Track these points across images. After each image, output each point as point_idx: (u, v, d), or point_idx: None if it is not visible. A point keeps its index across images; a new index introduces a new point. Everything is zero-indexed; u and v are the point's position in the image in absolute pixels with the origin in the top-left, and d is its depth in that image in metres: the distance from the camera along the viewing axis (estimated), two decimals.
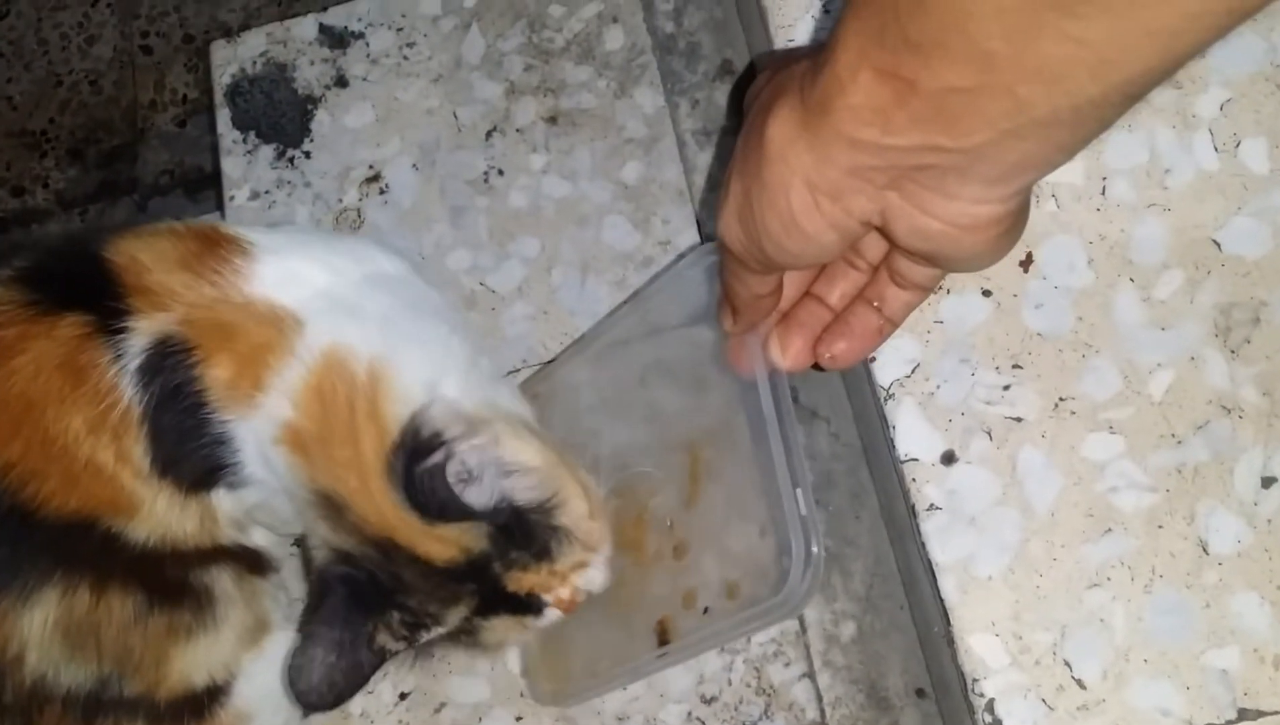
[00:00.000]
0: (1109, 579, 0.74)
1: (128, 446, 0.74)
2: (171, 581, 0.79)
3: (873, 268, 0.71)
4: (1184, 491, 0.74)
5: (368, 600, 0.75)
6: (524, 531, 0.76)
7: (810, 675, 0.99)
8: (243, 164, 1.17)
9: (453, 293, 1.11)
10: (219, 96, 1.20)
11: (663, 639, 0.90)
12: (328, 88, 1.19)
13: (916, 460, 0.78)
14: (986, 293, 0.80)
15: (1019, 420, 0.77)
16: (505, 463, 0.75)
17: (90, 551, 0.74)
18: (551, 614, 0.81)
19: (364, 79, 1.19)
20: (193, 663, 0.81)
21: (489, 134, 1.16)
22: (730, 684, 1.00)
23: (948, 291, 0.80)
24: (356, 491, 0.73)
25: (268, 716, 0.87)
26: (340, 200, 1.15)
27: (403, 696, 1.03)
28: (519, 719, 1.01)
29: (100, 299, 0.74)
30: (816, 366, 0.75)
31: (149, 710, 0.79)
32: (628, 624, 0.93)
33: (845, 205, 0.58)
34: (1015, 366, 0.78)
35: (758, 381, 0.77)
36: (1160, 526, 0.74)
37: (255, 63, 1.21)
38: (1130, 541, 0.74)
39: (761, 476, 0.80)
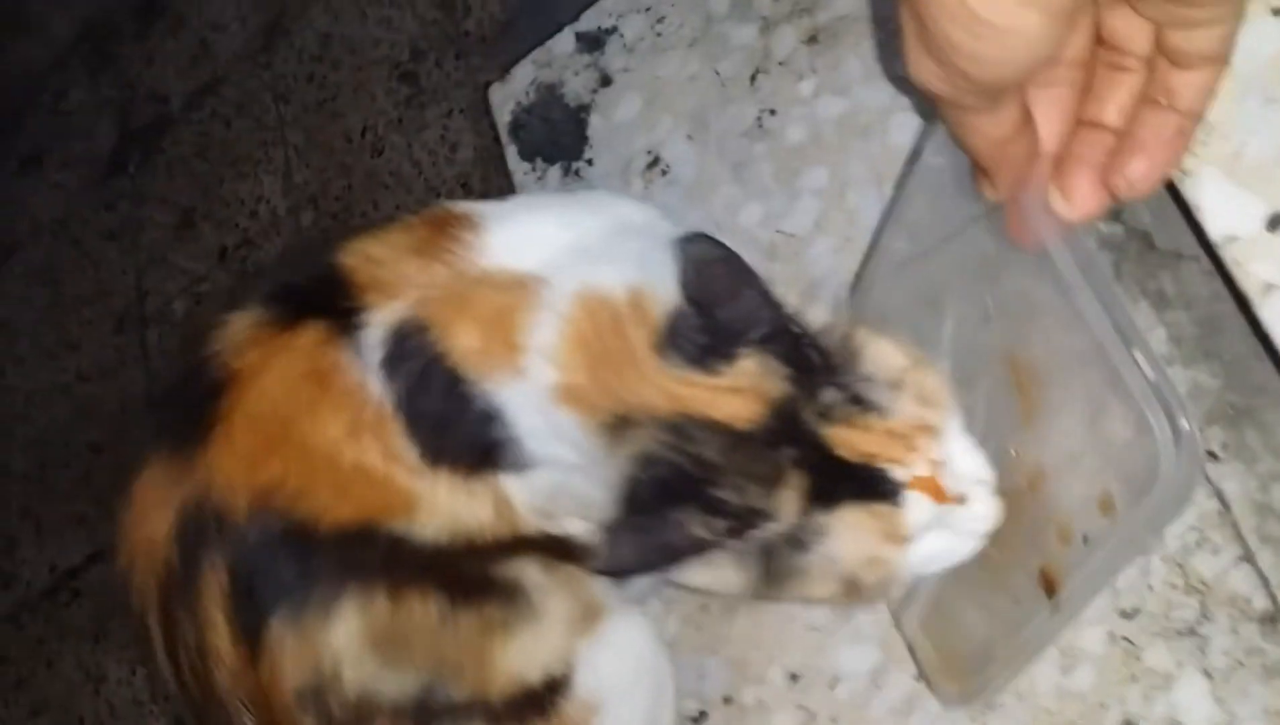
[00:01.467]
0: None
1: (392, 443, 0.72)
2: (472, 577, 0.76)
3: (1145, 61, 0.57)
4: None
5: (678, 494, 0.66)
6: (827, 366, 0.66)
7: (1248, 558, 0.81)
8: (535, 191, 1.18)
9: (750, 251, 1.05)
10: (504, 136, 1.21)
11: (1050, 589, 0.75)
12: (594, 91, 1.18)
13: (1236, 238, 0.62)
14: None
15: None
16: (776, 295, 0.67)
17: (377, 558, 0.72)
18: (915, 503, 0.66)
19: (625, 70, 1.17)
20: (520, 658, 0.77)
21: (753, 78, 1.09)
22: (1152, 589, 0.84)
23: None
24: (637, 391, 0.67)
25: (619, 706, 0.82)
26: (628, 193, 1.12)
27: (794, 678, 0.95)
28: (918, 678, 0.90)
29: (336, 303, 0.73)
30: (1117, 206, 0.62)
31: (485, 712, 0.76)
32: (1008, 586, 0.79)
33: None
34: None
35: (1049, 247, 0.64)
36: None
37: (528, 92, 1.21)
38: None
39: (1095, 356, 0.65)
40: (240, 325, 0.74)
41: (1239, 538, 0.82)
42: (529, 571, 0.78)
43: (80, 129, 2.00)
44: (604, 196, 0.83)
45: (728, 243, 1.00)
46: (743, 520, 0.65)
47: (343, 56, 1.75)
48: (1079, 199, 0.61)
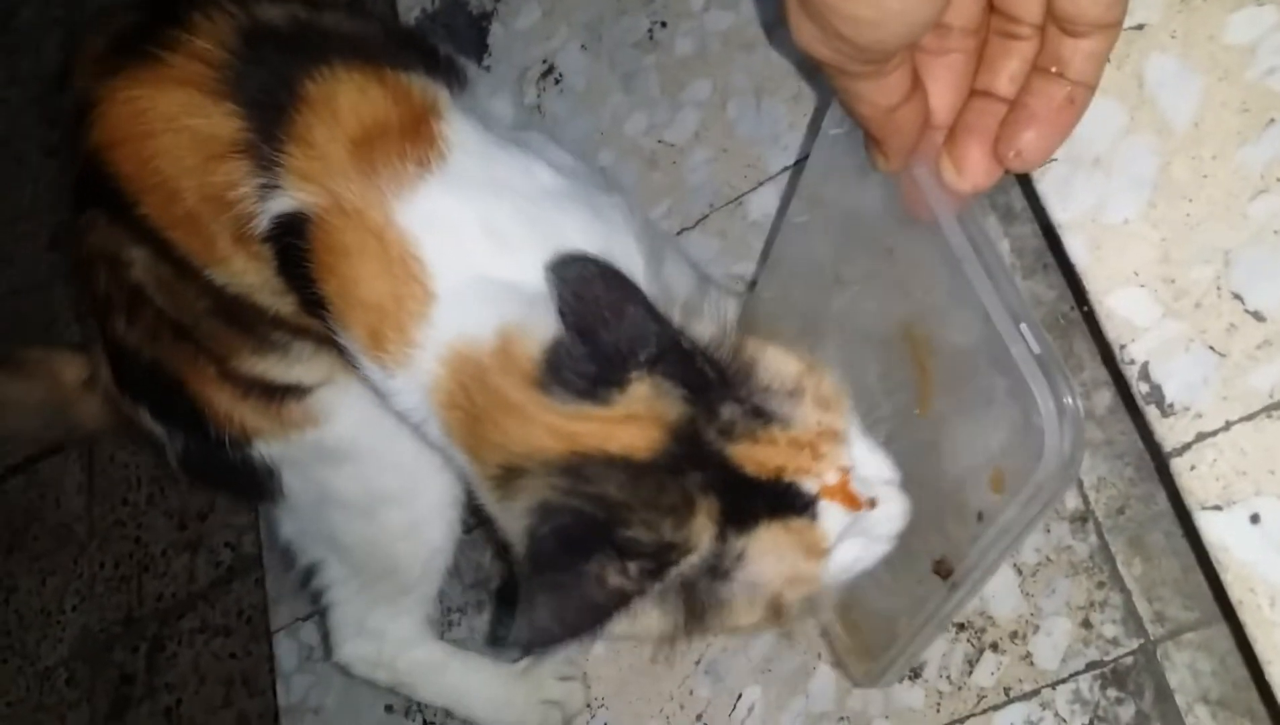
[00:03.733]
0: None
1: (244, 230, 0.71)
2: (246, 321, 0.79)
3: (1038, 29, 0.56)
4: None
5: (586, 542, 0.60)
6: (722, 380, 0.61)
7: None
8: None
9: (633, 160, 1.06)
10: None
11: (945, 570, 0.72)
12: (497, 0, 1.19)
13: None
14: None
15: (1140, 27, 0.61)
16: (660, 310, 0.61)
17: (170, 255, 0.76)
18: (830, 513, 0.61)
19: None
20: (261, 368, 0.83)
21: None
22: None
23: None
24: (521, 437, 0.63)
25: (345, 429, 0.86)
26: (522, 101, 1.13)
27: None
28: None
29: (269, 125, 0.70)
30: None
31: (221, 366, 0.83)
32: (910, 567, 0.74)
33: None
34: None
35: (940, 219, 0.61)
36: None
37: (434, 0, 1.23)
38: None
39: (985, 330, 0.62)
40: (202, 33, 0.72)
41: None
42: (299, 347, 0.82)
43: (28, 46, 2.00)
44: (568, 224, 0.73)
45: (612, 151, 1.03)
46: (659, 558, 0.60)
47: None
48: (970, 170, 0.59)
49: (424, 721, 1.11)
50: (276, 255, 0.72)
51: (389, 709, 1.13)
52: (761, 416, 0.61)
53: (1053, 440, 0.58)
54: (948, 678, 0.83)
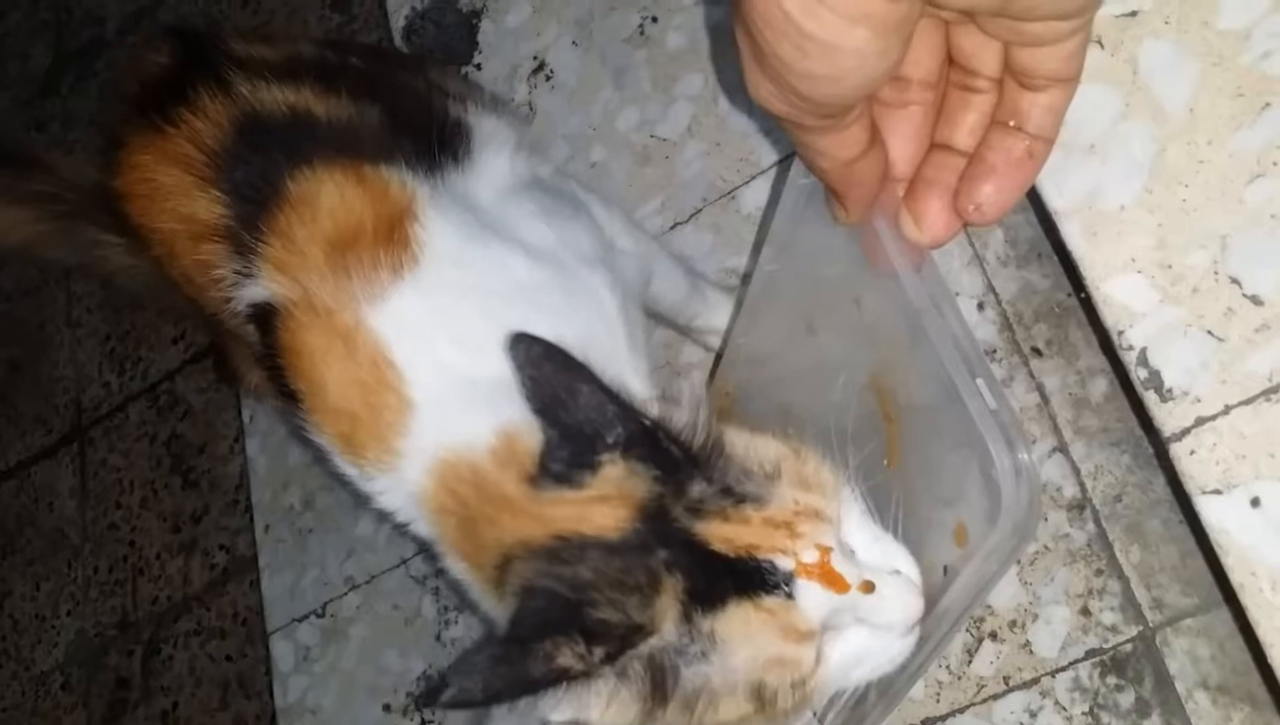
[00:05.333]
0: (1276, 163, 0.56)
1: (229, 307, 0.75)
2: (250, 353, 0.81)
3: (996, 83, 0.55)
4: None
5: (557, 624, 0.60)
6: (692, 460, 0.62)
7: (1062, 448, 0.83)
8: None
9: (625, 156, 1.06)
10: (398, 40, 1.22)
11: None
12: None
13: None
14: None
15: (1134, 14, 0.61)
16: (613, 387, 0.62)
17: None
18: (809, 592, 0.60)
19: None
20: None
21: None
22: None
23: None
24: (513, 530, 0.64)
25: None
26: (512, 98, 1.13)
27: None
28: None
29: (254, 210, 0.72)
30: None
31: (247, 349, 0.83)
32: None
33: None
34: None
35: (899, 272, 0.61)
36: None
37: None
38: None
39: (944, 384, 0.61)
40: (203, 115, 0.75)
41: (1055, 430, 0.83)
42: None
43: (15, 50, 1.99)
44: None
45: (604, 147, 1.02)
46: (623, 640, 0.60)
47: None
48: (929, 224, 0.58)
49: (421, 721, 1.11)
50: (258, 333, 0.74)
51: (386, 708, 1.13)
52: (733, 495, 0.61)
53: (1009, 496, 0.58)
54: (947, 667, 0.83)
